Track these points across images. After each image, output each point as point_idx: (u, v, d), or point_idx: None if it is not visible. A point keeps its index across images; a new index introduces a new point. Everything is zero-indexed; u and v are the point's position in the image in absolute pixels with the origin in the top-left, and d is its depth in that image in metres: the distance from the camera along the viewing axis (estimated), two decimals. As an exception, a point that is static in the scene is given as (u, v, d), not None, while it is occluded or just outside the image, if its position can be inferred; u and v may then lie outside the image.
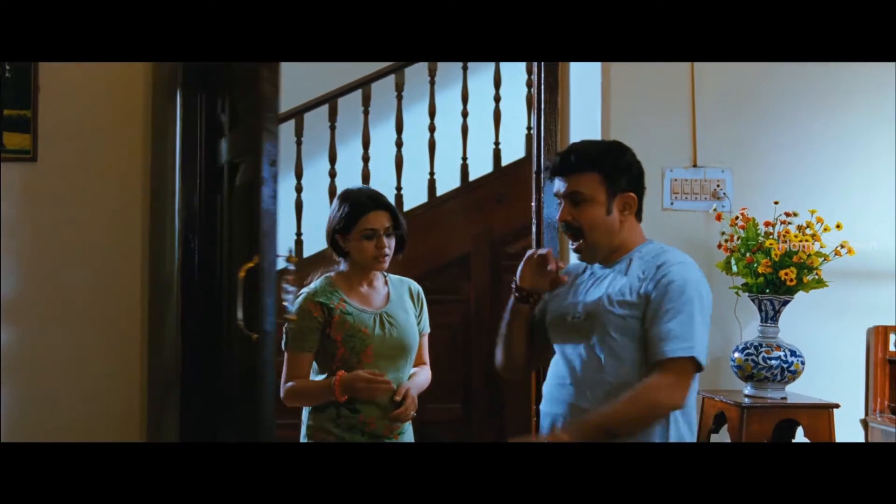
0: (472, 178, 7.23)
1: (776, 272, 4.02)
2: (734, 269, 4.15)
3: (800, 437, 4.12)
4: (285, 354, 3.59)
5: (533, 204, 4.81)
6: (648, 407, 2.91)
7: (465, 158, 7.20)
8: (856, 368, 4.56)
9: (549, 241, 4.57)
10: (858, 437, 4.53)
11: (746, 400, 4.06)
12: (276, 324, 2.95)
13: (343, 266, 3.66)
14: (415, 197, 7.18)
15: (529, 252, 3.19)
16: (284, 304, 3.16)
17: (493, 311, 6.97)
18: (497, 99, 7.20)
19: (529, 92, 6.87)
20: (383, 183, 7.05)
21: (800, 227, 4.12)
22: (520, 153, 7.14)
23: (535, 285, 3.13)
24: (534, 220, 4.77)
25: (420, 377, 3.71)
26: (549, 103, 4.71)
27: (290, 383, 3.55)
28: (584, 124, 4.68)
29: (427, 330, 3.80)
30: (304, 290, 3.61)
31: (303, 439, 3.61)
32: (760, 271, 4.04)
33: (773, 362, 4.06)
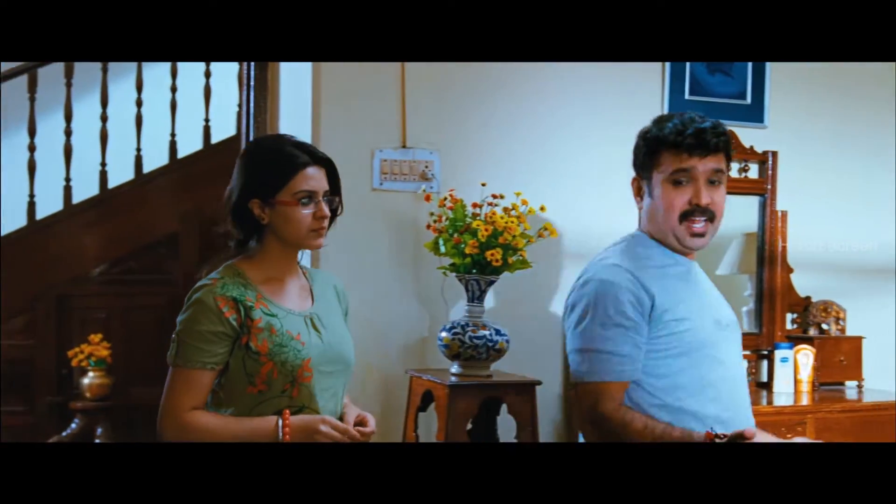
0: (180, 154, 7.05)
1: (482, 253, 4.08)
2: (442, 249, 4.18)
3: (504, 413, 4.21)
4: (171, 371, 2.64)
5: (242, 182, 4.70)
6: None
7: (173, 135, 7.01)
8: (556, 346, 4.71)
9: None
10: (557, 413, 4.68)
11: (453, 378, 4.10)
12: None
13: (252, 247, 2.73)
14: (120, 174, 6.94)
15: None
16: None
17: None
18: (207, 75, 7.05)
19: (240, 68, 6.74)
20: (87, 159, 6.81)
21: (506, 209, 4.20)
22: (230, 130, 7.01)
23: None
24: (243, 199, 4.66)
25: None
26: (258, 80, 4.63)
27: (185, 417, 2.59)
28: (294, 102, 4.62)
29: None
30: (202, 282, 2.67)
31: None
32: (467, 252, 4.09)
33: (478, 341, 4.10)
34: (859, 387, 4.98)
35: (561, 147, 4.73)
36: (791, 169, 5.07)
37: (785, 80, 5.04)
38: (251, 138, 4.58)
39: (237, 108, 6.89)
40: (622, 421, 2.61)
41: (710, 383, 2.67)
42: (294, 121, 4.62)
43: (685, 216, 2.71)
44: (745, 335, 4.95)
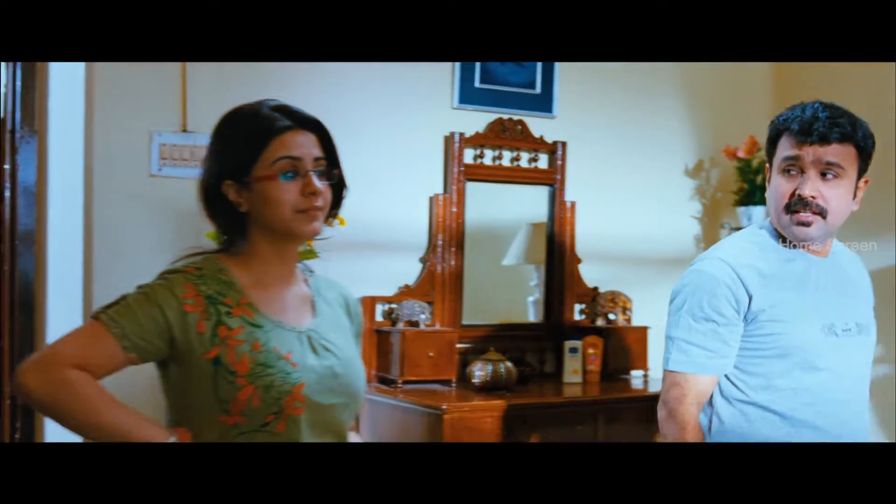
0: (-61, 137, 6.59)
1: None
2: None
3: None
4: (91, 322, 2.08)
5: (7, 167, 4.38)
6: None
7: (-69, 116, 6.55)
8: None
9: (24, 207, 4.20)
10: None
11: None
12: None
13: (239, 245, 2.21)
14: None
15: None
16: None
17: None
18: (-30, 52, 6.62)
19: (7, 46, 6.36)
20: None
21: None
22: (-5, 112, 6.61)
23: None
24: (7, 185, 4.35)
25: None
26: (26, 57, 4.32)
27: (66, 371, 1.99)
28: (65, 81, 4.33)
29: None
30: (180, 262, 2.20)
31: None
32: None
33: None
34: (645, 376, 5.02)
35: (350, 136, 4.57)
36: (580, 160, 5.08)
37: (573, 71, 5.05)
38: (17, 121, 4.26)
39: (2, 88, 6.50)
40: (682, 421, 2.66)
41: (806, 388, 2.60)
42: (66, 100, 4.33)
43: (789, 207, 2.61)
44: (531, 325, 5.00)
